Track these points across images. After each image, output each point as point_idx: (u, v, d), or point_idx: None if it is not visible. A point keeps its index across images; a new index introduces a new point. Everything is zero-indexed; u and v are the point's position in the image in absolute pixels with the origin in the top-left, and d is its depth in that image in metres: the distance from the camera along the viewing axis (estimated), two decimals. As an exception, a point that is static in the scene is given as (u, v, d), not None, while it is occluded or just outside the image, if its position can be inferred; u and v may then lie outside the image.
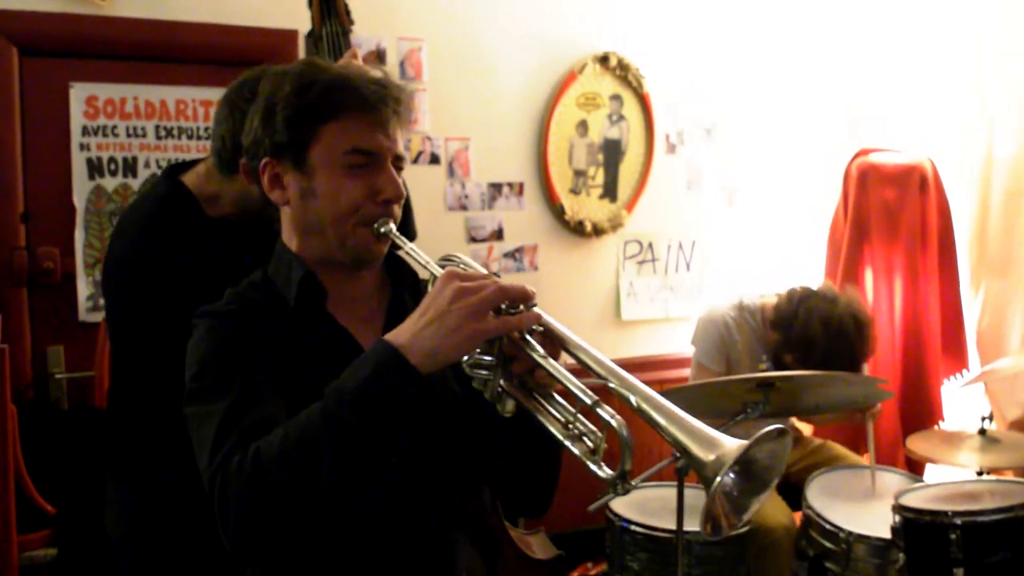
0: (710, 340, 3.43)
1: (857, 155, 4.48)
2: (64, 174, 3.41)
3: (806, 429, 4.02)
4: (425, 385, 1.31)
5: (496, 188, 4.05)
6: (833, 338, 3.13)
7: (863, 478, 3.29)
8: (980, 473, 3.17)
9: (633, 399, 1.25)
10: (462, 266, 1.49)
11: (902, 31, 4.63)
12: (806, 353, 3.17)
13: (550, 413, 1.34)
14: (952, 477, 3.22)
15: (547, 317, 1.35)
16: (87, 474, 3.00)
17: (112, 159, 3.45)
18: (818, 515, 2.98)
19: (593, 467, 1.27)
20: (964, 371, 4.41)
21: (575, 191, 4.20)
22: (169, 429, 2.04)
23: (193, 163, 2.12)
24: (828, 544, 2.93)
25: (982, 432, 3.17)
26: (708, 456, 1.17)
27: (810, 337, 3.16)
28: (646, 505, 3.03)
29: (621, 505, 2.99)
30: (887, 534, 2.78)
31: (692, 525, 2.61)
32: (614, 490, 1.25)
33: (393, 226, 1.49)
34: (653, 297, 4.41)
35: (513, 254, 4.09)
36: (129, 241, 2.03)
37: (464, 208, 3.98)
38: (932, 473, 3.93)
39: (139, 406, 2.06)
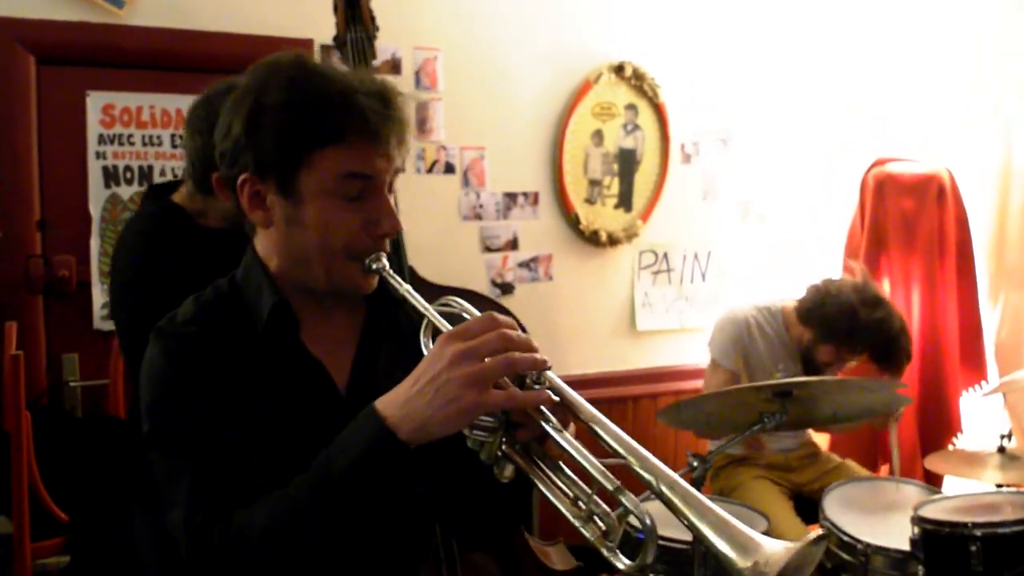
0: (727, 337, 3.41)
1: (874, 164, 4.46)
2: (80, 182, 3.42)
3: (823, 440, 3.99)
4: (415, 458, 1.22)
5: (511, 197, 4.04)
6: (871, 306, 3.20)
7: (882, 490, 3.25)
8: (1000, 486, 3.13)
9: (657, 484, 1.13)
10: (465, 315, 1.33)
11: (918, 40, 4.61)
12: (850, 329, 3.20)
13: (557, 487, 1.23)
14: (971, 489, 3.18)
15: (559, 381, 1.22)
16: (101, 482, 3.00)
17: (128, 167, 3.45)
18: (835, 527, 2.95)
19: (607, 554, 1.16)
20: (983, 383, 4.37)
21: (590, 201, 4.19)
22: None
23: (172, 184, 2.13)
24: (846, 556, 2.89)
25: (1001, 450, 3.12)
26: (745, 563, 1.05)
27: (849, 309, 3.20)
28: (662, 516, 3.00)
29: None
30: (906, 546, 2.74)
31: (708, 536, 2.58)
32: None
33: (386, 262, 1.38)
34: (668, 307, 4.39)
35: (528, 264, 4.07)
36: (128, 261, 2.03)
37: (479, 217, 3.97)
38: (951, 485, 3.89)
39: None
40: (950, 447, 4.20)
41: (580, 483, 1.22)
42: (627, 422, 4.09)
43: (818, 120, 4.63)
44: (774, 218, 4.60)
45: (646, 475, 1.14)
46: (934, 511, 2.74)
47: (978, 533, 2.56)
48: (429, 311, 1.35)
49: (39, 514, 2.91)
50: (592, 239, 4.18)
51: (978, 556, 2.54)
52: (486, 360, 1.18)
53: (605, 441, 1.18)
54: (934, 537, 2.65)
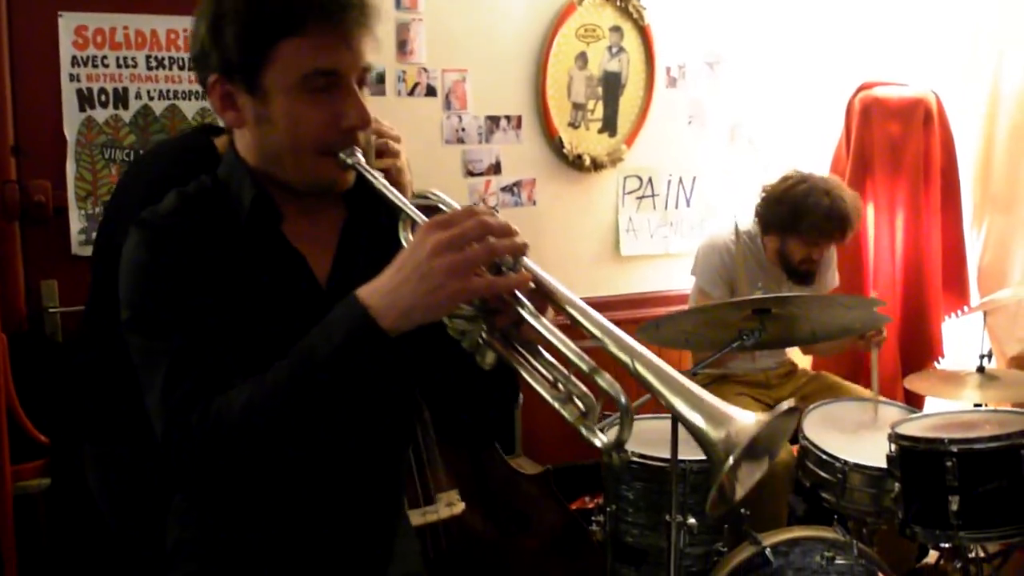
0: (711, 266, 3.43)
1: (860, 88, 4.42)
2: (54, 106, 3.34)
3: (806, 363, 4.01)
4: (398, 348, 1.22)
5: (494, 121, 3.99)
6: (797, 182, 3.38)
7: (861, 409, 3.28)
8: (978, 405, 3.15)
9: (632, 363, 1.14)
10: (442, 207, 1.35)
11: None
12: (792, 211, 3.34)
13: (536, 370, 1.24)
14: (951, 409, 3.19)
15: (536, 268, 1.23)
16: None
17: (103, 90, 3.39)
18: (814, 445, 2.97)
19: (586, 433, 1.18)
20: (965, 307, 4.39)
21: (574, 125, 4.14)
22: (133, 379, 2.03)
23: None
24: (824, 474, 2.92)
25: (981, 370, 3.13)
26: (717, 434, 1.08)
27: (780, 193, 3.40)
28: (641, 435, 3.01)
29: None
30: (883, 464, 2.77)
31: (686, 454, 2.60)
32: (608, 458, 1.17)
33: (360, 156, 1.38)
34: (653, 233, 4.37)
35: (511, 188, 4.04)
36: (139, 182, 2.00)
37: (461, 141, 3.93)
38: (931, 406, 3.92)
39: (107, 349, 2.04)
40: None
41: (559, 366, 1.23)
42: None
43: (806, 43, 4.56)
44: (760, 143, 4.56)
45: (622, 355, 1.15)
46: (911, 428, 2.76)
47: (954, 449, 2.58)
48: (407, 205, 1.35)
49: (19, 437, 2.91)
50: (576, 163, 4.14)
51: (953, 471, 2.56)
52: (467, 248, 1.18)
53: (581, 324, 1.19)
54: (910, 453, 2.67)
